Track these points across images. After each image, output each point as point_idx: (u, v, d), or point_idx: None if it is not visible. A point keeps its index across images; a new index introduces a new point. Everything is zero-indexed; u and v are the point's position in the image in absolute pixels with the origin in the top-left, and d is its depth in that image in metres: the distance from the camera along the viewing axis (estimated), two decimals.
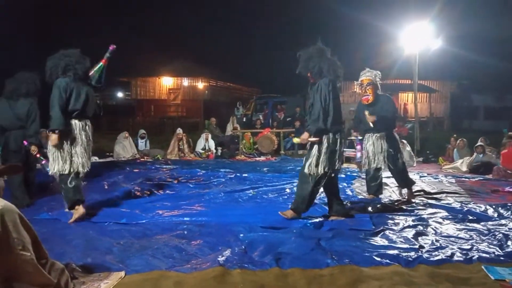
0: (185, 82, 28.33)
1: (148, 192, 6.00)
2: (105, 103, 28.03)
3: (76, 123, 4.54)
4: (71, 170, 4.47)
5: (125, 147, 10.84)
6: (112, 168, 8.13)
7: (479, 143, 9.31)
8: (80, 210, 4.45)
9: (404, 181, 5.89)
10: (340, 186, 6.53)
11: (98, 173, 7.20)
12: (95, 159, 8.63)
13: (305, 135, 4.36)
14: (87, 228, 4.08)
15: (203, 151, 11.60)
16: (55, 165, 4.45)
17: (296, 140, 4.49)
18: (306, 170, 4.34)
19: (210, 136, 12.12)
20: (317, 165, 4.28)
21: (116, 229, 4.09)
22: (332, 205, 4.59)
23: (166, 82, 28.75)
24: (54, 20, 30.61)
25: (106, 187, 6.29)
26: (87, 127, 4.64)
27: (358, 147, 5.96)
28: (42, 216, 4.56)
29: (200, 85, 28.07)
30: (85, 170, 4.56)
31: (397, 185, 6.85)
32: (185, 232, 3.96)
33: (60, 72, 4.48)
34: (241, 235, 3.81)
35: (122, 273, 2.92)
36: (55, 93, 4.38)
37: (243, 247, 3.50)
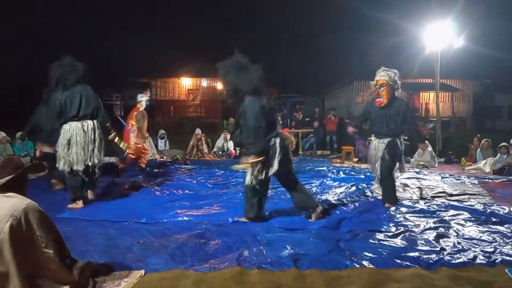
0: (204, 82, 28.49)
1: (167, 192, 6.08)
2: (126, 104, 28.36)
3: (71, 125, 4.88)
4: (74, 168, 4.91)
5: None
6: (132, 168, 8.24)
7: (507, 143, 9.06)
8: (79, 204, 5.03)
9: (389, 195, 5.28)
10: (359, 187, 6.50)
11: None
12: (114, 159, 8.75)
13: (250, 158, 3.99)
14: (108, 227, 4.14)
15: (220, 150, 11.64)
16: (60, 164, 4.94)
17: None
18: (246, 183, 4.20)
19: (229, 136, 12.14)
20: (253, 177, 4.10)
21: (136, 228, 4.14)
22: (298, 200, 4.47)
23: (185, 82, 28.95)
24: (73, 23, 31.33)
25: (126, 186, 6.38)
26: (87, 127, 4.94)
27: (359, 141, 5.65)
28: (64, 215, 4.65)
29: (219, 85, 28.18)
30: (81, 168, 4.91)
31: (417, 186, 6.76)
32: (204, 231, 3.98)
33: (53, 84, 4.90)
34: (259, 235, 3.81)
35: (142, 272, 2.96)
36: (51, 106, 4.96)
37: (261, 247, 3.50)
